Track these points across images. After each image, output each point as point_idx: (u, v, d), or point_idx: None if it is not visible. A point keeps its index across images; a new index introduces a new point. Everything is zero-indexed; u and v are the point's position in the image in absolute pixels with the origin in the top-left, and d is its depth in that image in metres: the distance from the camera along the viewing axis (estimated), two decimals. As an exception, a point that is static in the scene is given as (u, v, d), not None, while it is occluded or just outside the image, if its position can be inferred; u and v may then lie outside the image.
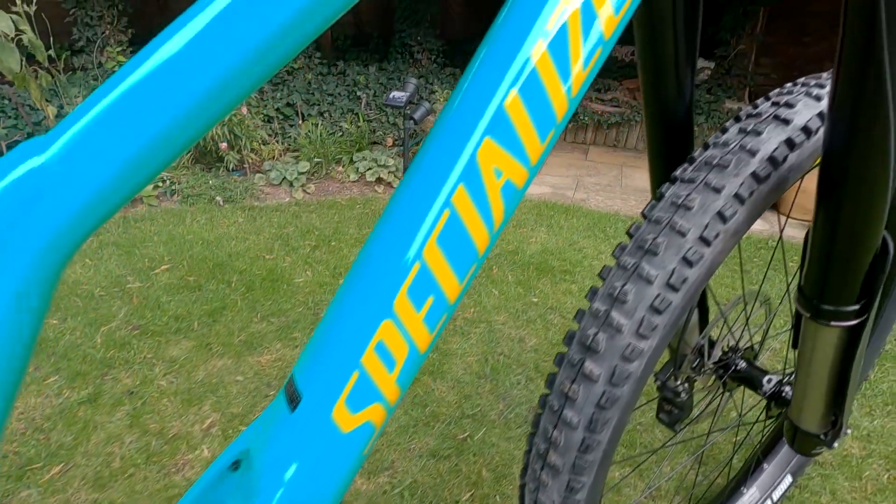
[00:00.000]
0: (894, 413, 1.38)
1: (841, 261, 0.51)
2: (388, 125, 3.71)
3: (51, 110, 2.59)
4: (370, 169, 3.03)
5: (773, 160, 0.49)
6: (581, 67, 0.31)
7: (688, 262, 0.48)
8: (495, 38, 0.31)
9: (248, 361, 1.47)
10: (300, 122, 3.55)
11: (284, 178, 2.81)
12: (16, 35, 2.14)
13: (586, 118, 4.02)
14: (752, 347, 0.83)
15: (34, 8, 2.40)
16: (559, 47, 0.31)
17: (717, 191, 0.50)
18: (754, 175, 0.49)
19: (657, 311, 0.48)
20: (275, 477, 0.32)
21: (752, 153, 0.50)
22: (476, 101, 0.31)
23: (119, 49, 3.26)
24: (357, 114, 3.70)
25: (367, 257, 0.32)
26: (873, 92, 0.39)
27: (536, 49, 0.30)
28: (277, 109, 3.55)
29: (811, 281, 0.56)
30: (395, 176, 3.03)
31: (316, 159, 3.02)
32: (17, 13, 2.36)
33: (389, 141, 3.57)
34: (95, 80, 3.27)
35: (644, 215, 0.53)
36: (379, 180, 3.03)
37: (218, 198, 2.59)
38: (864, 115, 0.42)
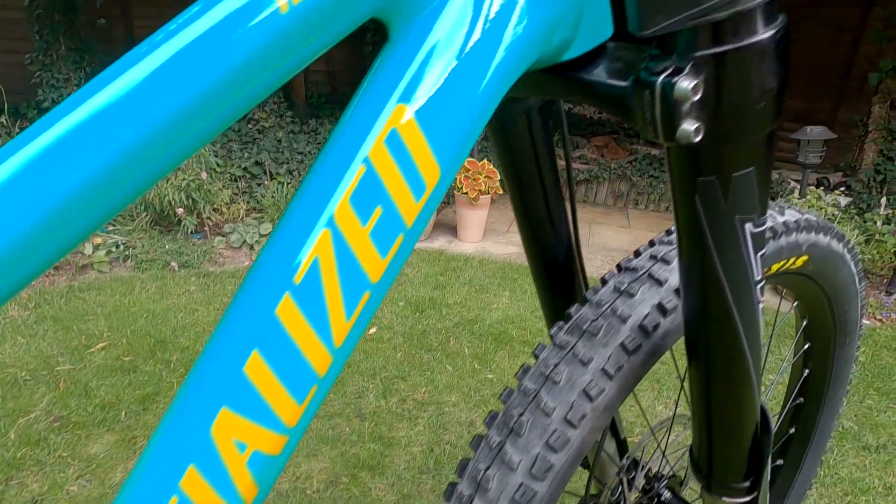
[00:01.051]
0: (858, 507, 1.30)
1: (720, 439, 0.47)
2: None
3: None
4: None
5: (643, 329, 0.44)
6: (345, 319, 0.26)
7: (552, 448, 0.42)
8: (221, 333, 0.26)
9: (172, 458, 1.36)
10: (267, 181, 3.51)
11: (245, 241, 2.74)
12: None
13: (555, 175, 4.05)
14: (675, 475, 0.76)
15: None
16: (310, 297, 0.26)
17: (585, 364, 0.44)
18: (623, 346, 0.44)
19: None
20: None
21: (623, 320, 0.45)
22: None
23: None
24: (326, 172, 3.68)
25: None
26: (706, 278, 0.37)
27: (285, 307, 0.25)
28: (245, 168, 3.51)
29: (698, 452, 0.50)
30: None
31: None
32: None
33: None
34: None
35: (535, 355, 0.49)
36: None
37: (173, 263, 2.50)
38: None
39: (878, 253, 2.93)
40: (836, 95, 4.13)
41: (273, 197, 3.11)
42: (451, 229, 3.28)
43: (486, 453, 0.44)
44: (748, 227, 0.34)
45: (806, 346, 0.78)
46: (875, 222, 3.05)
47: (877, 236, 2.96)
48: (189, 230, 2.72)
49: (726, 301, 0.37)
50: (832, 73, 4.11)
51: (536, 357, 0.48)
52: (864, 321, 0.82)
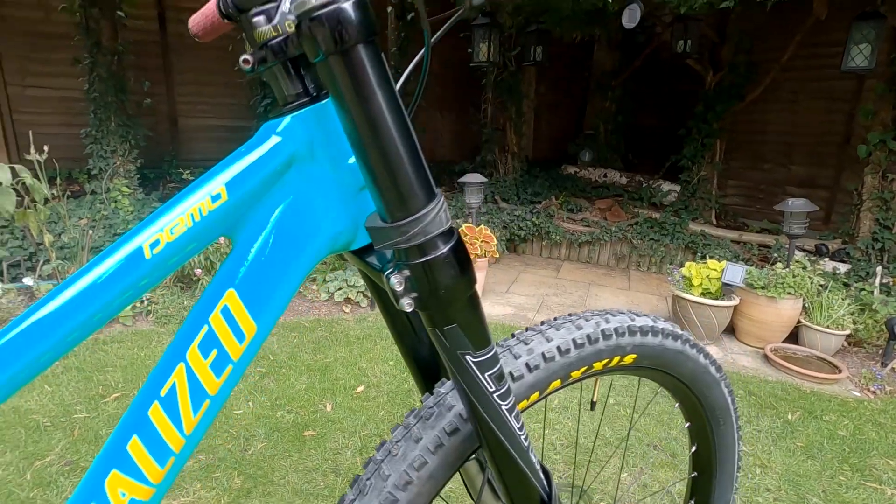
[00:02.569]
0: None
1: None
2: None
3: (48, 238, 2.83)
4: (340, 289, 3.18)
5: (461, 416, 0.59)
6: (192, 416, 0.45)
7: None
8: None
9: None
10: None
11: (256, 299, 2.96)
12: (17, 180, 2.42)
13: (558, 236, 4.20)
14: None
15: (45, 156, 2.71)
16: (171, 404, 0.44)
17: (416, 441, 0.59)
18: (443, 429, 0.58)
19: None
20: None
21: (449, 408, 0.60)
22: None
23: (126, 181, 3.62)
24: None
25: None
26: None
27: (154, 409, 0.44)
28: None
29: None
30: (363, 295, 3.16)
31: (290, 280, 3.19)
32: (29, 160, 2.68)
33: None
34: (102, 203, 3.57)
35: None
36: (347, 300, 3.16)
37: (189, 319, 2.72)
38: None
39: (873, 322, 2.93)
40: (837, 163, 4.21)
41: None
42: (452, 290, 3.43)
43: None
44: (468, 357, 0.50)
45: (687, 425, 0.90)
46: (871, 292, 3.07)
47: (873, 305, 2.97)
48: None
49: (474, 405, 0.53)
50: (833, 141, 4.22)
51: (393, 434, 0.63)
52: (734, 405, 0.92)
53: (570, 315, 0.71)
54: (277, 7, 0.43)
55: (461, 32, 4.17)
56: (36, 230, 2.69)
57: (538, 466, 0.61)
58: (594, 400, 0.89)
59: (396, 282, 0.46)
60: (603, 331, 0.68)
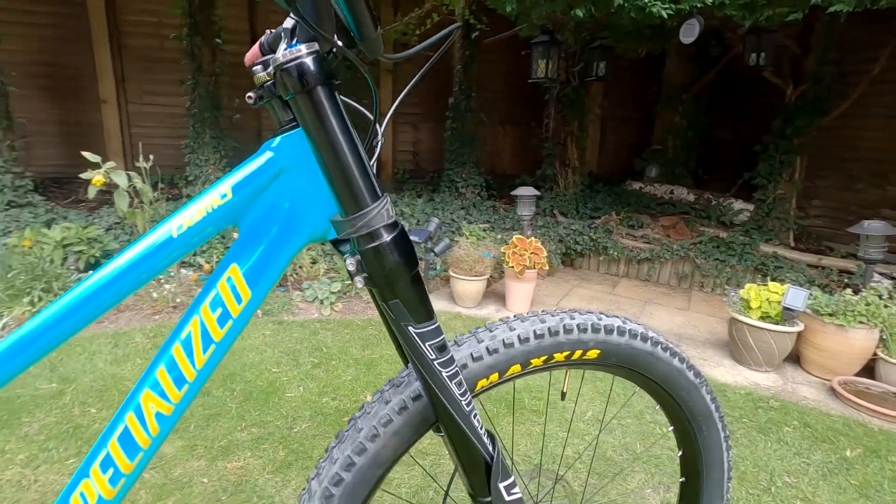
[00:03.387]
0: None
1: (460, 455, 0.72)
2: (421, 252, 4.12)
3: (148, 234, 3.26)
4: (396, 292, 3.38)
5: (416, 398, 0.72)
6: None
7: (356, 453, 0.70)
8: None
9: (217, 466, 1.75)
10: (351, 245, 4.05)
11: (317, 296, 3.23)
12: (129, 185, 2.85)
13: (616, 252, 4.17)
14: None
15: (150, 163, 3.15)
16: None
17: (386, 403, 0.72)
18: (409, 395, 0.72)
19: (334, 485, 0.70)
20: None
21: (416, 379, 0.72)
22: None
23: (214, 184, 4.06)
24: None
25: None
26: None
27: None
28: (332, 234, 4.09)
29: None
30: (416, 300, 3.34)
31: (347, 282, 3.44)
32: (138, 167, 3.12)
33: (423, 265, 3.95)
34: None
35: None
36: (402, 303, 3.35)
37: (259, 311, 3.03)
38: None
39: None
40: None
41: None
42: (502, 298, 3.54)
43: (326, 454, 0.73)
44: (410, 328, 0.64)
45: (670, 429, 0.93)
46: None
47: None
48: (277, 284, 3.28)
49: (419, 370, 0.66)
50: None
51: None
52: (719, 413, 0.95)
53: (541, 311, 0.81)
54: (271, 59, 0.61)
55: (523, 50, 4.30)
56: (141, 227, 3.13)
57: (482, 431, 0.72)
58: (564, 391, 0.97)
59: (350, 263, 0.62)
60: (564, 325, 0.76)
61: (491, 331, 0.76)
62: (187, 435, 1.90)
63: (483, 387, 0.73)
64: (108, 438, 0.62)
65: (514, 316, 0.79)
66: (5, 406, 2.01)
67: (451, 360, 0.67)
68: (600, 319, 0.78)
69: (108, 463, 0.62)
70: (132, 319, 2.88)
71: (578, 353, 0.76)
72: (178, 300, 3.04)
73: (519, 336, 0.74)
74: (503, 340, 0.73)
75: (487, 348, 0.73)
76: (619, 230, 4.35)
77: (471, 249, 3.46)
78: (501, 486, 0.71)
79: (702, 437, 0.89)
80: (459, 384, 0.67)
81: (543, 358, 0.75)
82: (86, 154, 2.80)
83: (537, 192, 3.42)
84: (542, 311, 0.80)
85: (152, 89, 4.88)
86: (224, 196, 0.62)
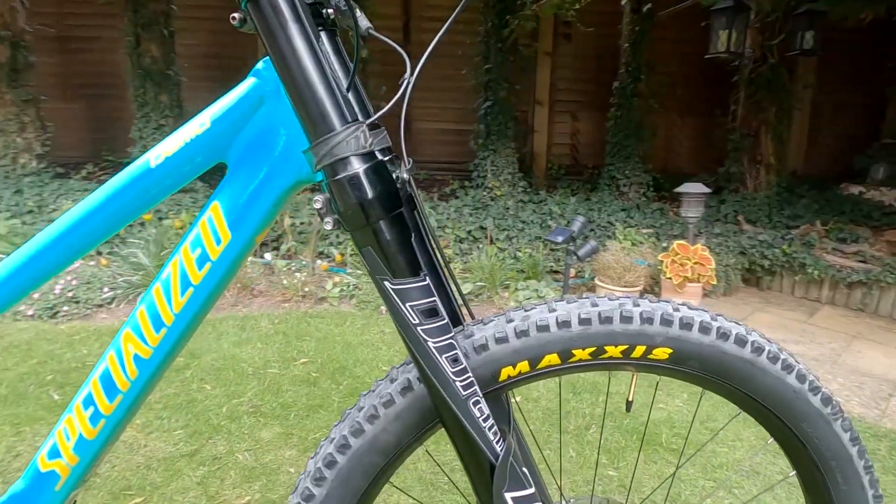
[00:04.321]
0: None
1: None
2: (560, 254, 3.89)
3: (287, 222, 3.56)
4: (528, 298, 3.24)
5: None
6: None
7: (351, 434, 0.64)
8: None
9: (306, 458, 1.79)
10: (488, 244, 4.00)
11: (443, 297, 3.22)
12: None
13: (818, 272, 3.52)
14: None
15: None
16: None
17: (392, 382, 0.66)
18: (415, 375, 0.64)
19: (326, 466, 0.65)
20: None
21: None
22: None
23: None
24: (543, 242, 3.99)
25: None
26: None
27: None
28: (469, 232, 4.09)
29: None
30: (551, 309, 3.15)
31: (479, 283, 3.38)
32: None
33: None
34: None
35: None
36: (535, 311, 3.19)
37: (382, 307, 3.12)
38: None
39: None
40: None
41: (479, 260, 3.56)
42: (655, 317, 3.18)
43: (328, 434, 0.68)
44: (387, 283, 0.56)
45: (792, 473, 0.74)
46: None
47: None
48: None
49: (401, 334, 0.58)
50: None
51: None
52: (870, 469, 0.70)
53: (596, 295, 0.68)
54: None
55: (703, 21, 3.84)
56: (280, 215, 3.44)
57: (488, 425, 0.60)
58: (630, 400, 0.81)
59: (317, 201, 0.55)
60: (623, 311, 0.63)
61: (526, 310, 0.66)
62: (287, 423, 1.99)
63: (510, 377, 0.63)
64: (92, 376, 0.63)
65: (563, 297, 0.68)
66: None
67: (444, 329, 0.58)
68: (677, 310, 0.64)
69: (89, 401, 0.63)
70: (263, 305, 3.16)
71: (641, 349, 0.64)
72: (307, 289, 3.26)
73: (558, 318, 0.62)
74: (536, 322, 0.63)
75: (516, 329, 0.63)
76: (822, 244, 3.66)
77: (621, 255, 3.17)
78: (508, 496, 0.60)
79: (836, 489, 0.69)
80: (454, 360, 0.58)
81: (591, 350, 0.63)
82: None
83: (707, 190, 3.01)
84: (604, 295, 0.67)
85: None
86: (203, 125, 0.60)
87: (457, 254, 3.89)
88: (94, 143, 5.30)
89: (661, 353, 0.63)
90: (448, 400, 0.58)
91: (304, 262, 3.53)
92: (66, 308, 2.92)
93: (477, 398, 0.59)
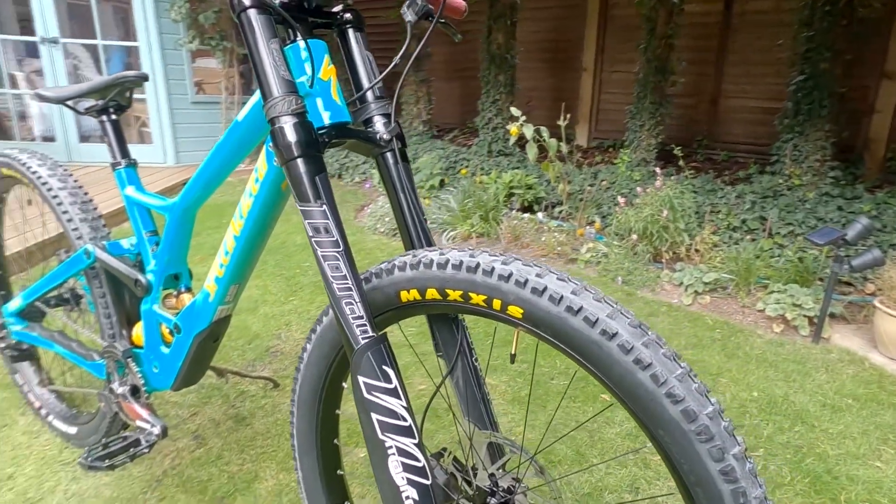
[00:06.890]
0: None
1: None
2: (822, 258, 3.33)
3: (561, 187, 4.05)
4: (779, 302, 2.99)
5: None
6: None
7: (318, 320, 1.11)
8: None
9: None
10: (765, 237, 3.67)
11: (682, 281, 3.27)
12: (537, 139, 3.66)
13: None
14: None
15: (566, 122, 3.83)
16: None
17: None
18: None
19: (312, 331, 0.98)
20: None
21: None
22: None
23: (631, 153, 4.47)
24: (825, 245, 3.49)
25: None
26: None
27: None
28: (743, 221, 3.83)
29: None
30: (805, 319, 2.88)
31: (727, 275, 3.26)
32: (557, 124, 3.87)
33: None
34: (594, 177, 4.56)
35: None
36: (783, 318, 2.95)
37: (619, 278, 3.37)
38: None
39: None
40: None
41: (736, 250, 3.39)
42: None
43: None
44: (298, 205, 0.76)
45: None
46: None
47: None
48: (648, 258, 3.50)
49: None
50: None
51: None
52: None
53: (494, 252, 0.73)
54: None
55: None
56: (553, 179, 3.94)
57: (356, 318, 0.73)
58: (513, 353, 0.80)
59: (269, 143, 0.86)
60: (484, 264, 0.69)
61: (429, 250, 0.77)
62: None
63: (407, 301, 0.78)
64: (225, 240, 1.07)
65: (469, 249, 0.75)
66: (280, 250, 3.39)
67: (334, 244, 0.74)
68: (539, 276, 0.66)
69: (220, 254, 1.07)
70: (523, 254, 3.76)
71: (497, 303, 0.68)
72: (560, 248, 3.73)
73: (440, 259, 0.73)
74: (430, 259, 0.75)
75: (412, 261, 0.77)
76: None
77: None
78: (361, 379, 0.73)
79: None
80: (336, 268, 0.74)
81: (459, 293, 0.71)
82: (512, 109, 3.75)
83: None
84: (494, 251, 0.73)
85: (622, 57, 5.54)
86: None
87: (724, 242, 3.73)
88: (462, 114, 6.75)
89: (515, 311, 0.67)
90: (329, 294, 0.75)
91: (563, 226, 3.98)
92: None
93: (349, 299, 0.74)
